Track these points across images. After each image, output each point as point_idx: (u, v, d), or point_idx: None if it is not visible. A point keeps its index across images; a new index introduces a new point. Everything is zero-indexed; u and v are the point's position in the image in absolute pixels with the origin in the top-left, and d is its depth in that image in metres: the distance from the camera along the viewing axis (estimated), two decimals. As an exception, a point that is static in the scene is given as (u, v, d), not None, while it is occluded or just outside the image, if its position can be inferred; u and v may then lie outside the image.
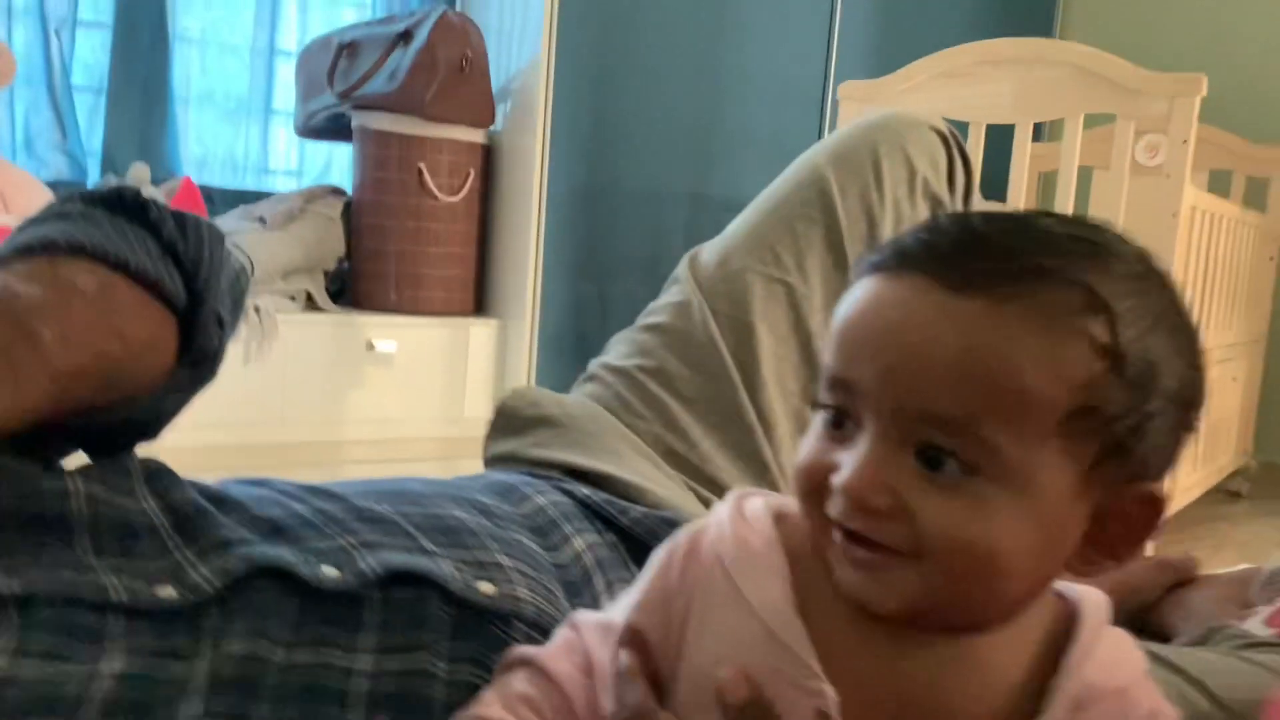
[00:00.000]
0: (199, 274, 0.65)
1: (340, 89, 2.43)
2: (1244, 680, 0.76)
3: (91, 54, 2.51)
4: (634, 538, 0.75)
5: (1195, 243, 2.12)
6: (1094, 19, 3.45)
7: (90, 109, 2.51)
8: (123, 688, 0.50)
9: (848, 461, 0.44)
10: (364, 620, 0.57)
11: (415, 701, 0.55)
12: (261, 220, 2.41)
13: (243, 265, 0.71)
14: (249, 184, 2.72)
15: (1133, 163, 1.89)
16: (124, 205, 0.65)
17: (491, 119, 2.51)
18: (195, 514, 0.60)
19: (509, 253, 2.58)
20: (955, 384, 0.42)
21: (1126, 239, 0.47)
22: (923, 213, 1.00)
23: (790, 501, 0.50)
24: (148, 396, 0.63)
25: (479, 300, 2.61)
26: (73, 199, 0.65)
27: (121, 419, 0.63)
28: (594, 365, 0.99)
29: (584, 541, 0.72)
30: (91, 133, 2.51)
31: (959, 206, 1.03)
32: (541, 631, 0.60)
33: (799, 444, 0.48)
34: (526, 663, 0.54)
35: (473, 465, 0.92)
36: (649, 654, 0.51)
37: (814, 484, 0.46)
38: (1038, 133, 2.05)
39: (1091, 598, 0.50)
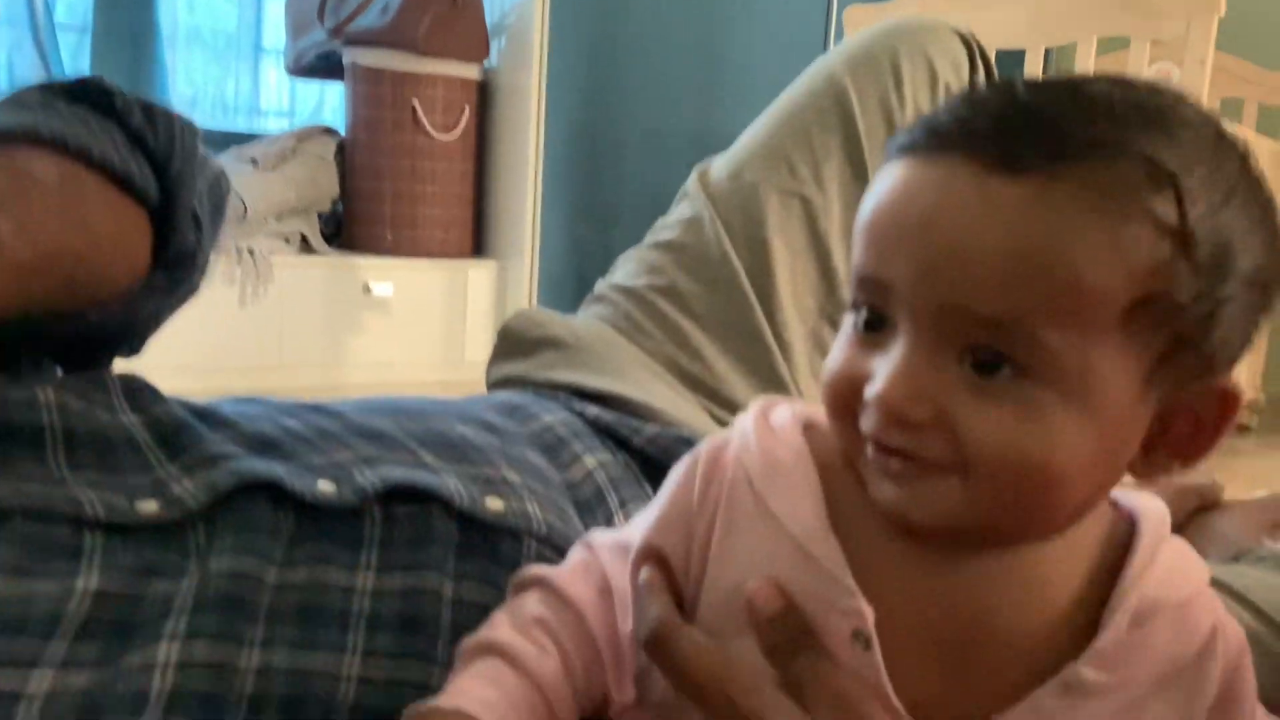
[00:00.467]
0: (170, 168, 0.61)
1: (331, 24, 2.37)
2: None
3: (74, -10, 2.45)
4: (648, 457, 0.71)
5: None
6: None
7: (75, 48, 2.47)
8: (101, 605, 0.47)
9: (882, 370, 0.40)
10: (364, 537, 0.54)
11: (420, 622, 0.52)
12: (253, 162, 2.37)
13: (222, 168, 0.66)
14: (240, 125, 2.67)
15: (1147, 87, 1.85)
16: (87, 95, 0.61)
17: (486, 53, 2.45)
18: (180, 428, 0.56)
19: (507, 192, 2.53)
20: (1003, 280, 0.38)
21: (1195, 103, 0.43)
22: None
23: (819, 410, 0.46)
24: (120, 302, 0.59)
25: (477, 241, 2.56)
26: (31, 89, 0.60)
27: (95, 326, 0.58)
28: (601, 285, 0.95)
29: (595, 460, 0.69)
30: (76, 72, 2.44)
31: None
32: (554, 549, 0.57)
33: (816, 364, 0.44)
34: (540, 583, 0.50)
35: (476, 409, 0.88)
36: (670, 574, 0.48)
37: (845, 397, 0.42)
38: (1046, 62, 2.00)
39: (1150, 505, 0.46)
